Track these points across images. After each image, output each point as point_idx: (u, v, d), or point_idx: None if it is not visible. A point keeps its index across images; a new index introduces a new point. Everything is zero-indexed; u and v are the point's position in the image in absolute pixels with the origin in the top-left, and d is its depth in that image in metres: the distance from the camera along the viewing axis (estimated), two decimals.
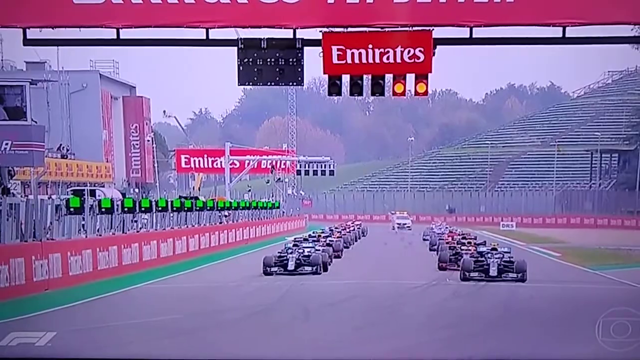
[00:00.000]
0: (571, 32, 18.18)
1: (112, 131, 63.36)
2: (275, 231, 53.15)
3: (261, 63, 19.17)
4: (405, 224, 68.29)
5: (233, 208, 44.26)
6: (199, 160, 73.56)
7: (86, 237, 25.51)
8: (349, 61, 18.69)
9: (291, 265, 25.60)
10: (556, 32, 18.25)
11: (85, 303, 19.29)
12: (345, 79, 19.29)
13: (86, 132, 57.53)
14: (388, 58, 18.63)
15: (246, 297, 20.82)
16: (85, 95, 58.84)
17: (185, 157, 73.79)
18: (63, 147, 54.12)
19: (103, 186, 52.39)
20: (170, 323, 15.99)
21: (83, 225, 25.87)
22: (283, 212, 60.95)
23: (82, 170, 54.44)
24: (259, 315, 17.43)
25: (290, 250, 26.27)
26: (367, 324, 15.96)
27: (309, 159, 68.41)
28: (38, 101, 54.28)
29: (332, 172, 67.50)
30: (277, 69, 19.23)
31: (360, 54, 18.62)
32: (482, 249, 25.76)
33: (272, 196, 64.02)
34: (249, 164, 66.82)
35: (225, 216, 42.43)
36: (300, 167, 68.73)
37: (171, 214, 33.30)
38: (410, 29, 18.47)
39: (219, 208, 40.87)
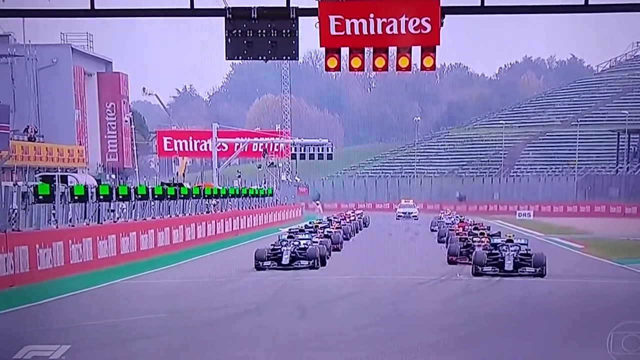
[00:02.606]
0: None
1: (86, 111, 63.31)
2: (268, 221, 53.22)
3: (251, 35, 19.16)
4: (411, 213, 68.36)
5: (221, 196, 44.29)
6: (183, 143, 73.53)
7: (57, 227, 25.53)
8: (349, 32, 18.69)
9: (286, 259, 25.71)
10: None
11: (57, 301, 19.34)
12: (345, 52, 19.28)
13: (57, 112, 57.50)
14: (391, 29, 18.63)
15: (236, 294, 20.88)
16: (55, 71, 58.77)
17: (168, 140, 73.75)
18: (31, 129, 54.09)
19: (76, 171, 52.35)
20: (153, 322, 16.05)
21: (53, 215, 25.88)
22: (277, 201, 61.01)
23: (52, 154, 54.45)
24: (250, 313, 17.50)
25: (284, 243, 26.36)
26: (369, 324, 16.03)
27: (305, 141, 68.41)
28: (2, 78, 54.42)
29: (330, 156, 67.53)
30: (269, 42, 19.23)
31: (360, 24, 18.62)
32: (496, 240, 25.83)
33: (265, 183, 64.04)
34: (238, 147, 66.77)
35: (213, 205, 42.48)
36: (295, 150, 68.75)
37: (152, 203, 33.31)
38: None
39: (206, 196, 40.90)
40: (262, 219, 51.92)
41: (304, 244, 26.57)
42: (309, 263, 25.77)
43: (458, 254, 27.48)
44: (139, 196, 31.86)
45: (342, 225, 39.39)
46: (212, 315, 17.22)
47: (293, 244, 26.39)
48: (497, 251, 24.60)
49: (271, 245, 26.72)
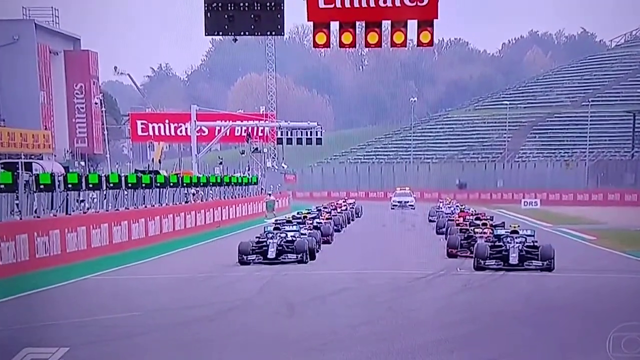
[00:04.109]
0: None
1: (52, 92, 63.15)
2: (253, 212, 53.31)
3: (233, 8, 19.14)
4: (407, 202, 68.58)
5: (201, 184, 44.32)
6: (159, 127, 73.47)
7: (21, 219, 25.51)
8: (339, 5, 18.69)
9: (272, 253, 25.77)
10: None
11: (21, 298, 19.36)
12: (334, 27, 19.28)
13: (19, 93, 57.33)
14: (385, 1, 18.64)
15: (219, 291, 20.95)
16: (17, 49, 58.54)
17: (142, 123, 73.66)
18: None
19: (41, 158, 52.30)
20: (127, 322, 16.08)
21: (17, 205, 25.85)
22: (262, 189, 61.08)
23: (14, 139, 54.30)
24: (235, 311, 17.57)
25: (270, 235, 26.41)
26: (362, 322, 16.11)
27: (292, 124, 68.42)
28: None
29: (319, 141, 67.59)
30: (252, 16, 19.22)
31: None
32: (499, 231, 25.90)
33: (249, 170, 64.08)
34: (219, 131, 66.74)
35: (193, 194, 42.50)
36: (282, 134, 68.76)
37: (125, 192, 33.30)
38: None
39: (185, 184, 40.91)
40: (245, 209, 51.99)
41: (291, 236, 26.64)
42: (297, 257, 25.84)
43: (458, 246, 27.58)
44: (111, 185, 31.85)
45: (333, 215, 39.54)
46: (192, 313, 17.25)
47: (280, 236, 26.45)
48: (501, 243, 24.68)
49: (256, 237, 26.78)
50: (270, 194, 57.77)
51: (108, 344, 14.10)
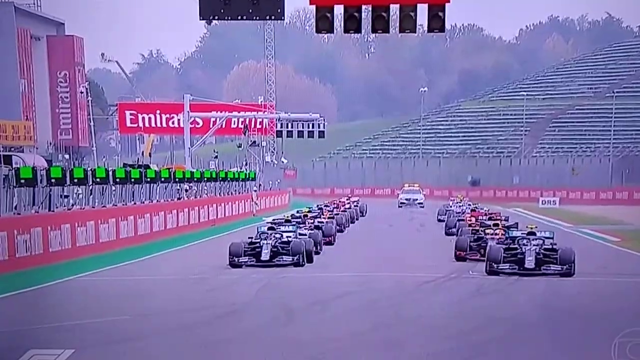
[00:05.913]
0: None
1: (34, 81, 63.15)
2: (250, 210, 53.34)
3: None
4: (416, 199, 68.66)
5: (195, 180, 44.35)
6: (149, 118, 73.52)
7: None
8: None
9: (265, 255, 25.62)
10: None
11: (10, 298, 19.45)
12: (339, 10, 19.29)
13: None
14: None
15: (212, 294, 21.01)
16: None
17: (131, 114, 73.70)
18: None
19: (22, 151, 52.36)
20: (115, 326, 16.13)
21: None
22: (260, 185, 61.15)
23: None
24: (228, 317, 17.60)
25: (264, 236, 26.24)
26: (366, 329, 16.15)
27: (292, 116, 68.51)
28: None
29: (321, 134, 67.69)
30: None
31: None
32: (514, 233, 25.88)
33: (246, 165, 64.13)
34: (215, 122, 66.81)
35: (185, 190, 42.54)
36: (281, 126, 68.87)
37: (113, 187, 33.34)
38: None
39: (177, 180, 40.95)
40: (242, 206, 52.04)
41: (287, 237, 26.49)
42: (293, 259, 25.68)
43: (467, 248, 27.54)
44: (98, 180, 31.86)
45: (335, 214, 39.53)
46: (184, 318, 17.28)
47: (274, 236, 26.28)
48: (515, 245, 24.60)
49: (249, 238, 26.65)
50: (255, 190, 57.63)
51: (95, 349, 14.13)
